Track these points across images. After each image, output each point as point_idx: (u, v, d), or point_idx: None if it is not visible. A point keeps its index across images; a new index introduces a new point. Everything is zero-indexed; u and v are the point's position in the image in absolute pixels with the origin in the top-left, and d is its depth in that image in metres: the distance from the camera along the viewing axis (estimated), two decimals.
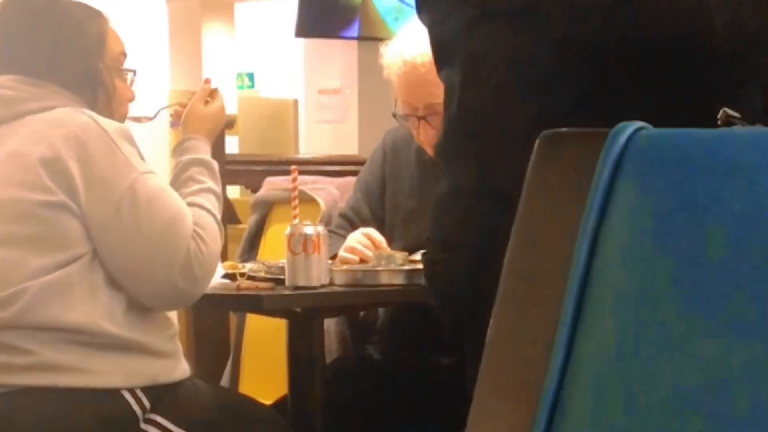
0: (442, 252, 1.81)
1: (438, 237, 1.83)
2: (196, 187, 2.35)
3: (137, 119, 2.62)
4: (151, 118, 2.69)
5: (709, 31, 1.55)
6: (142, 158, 2.29)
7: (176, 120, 2.53)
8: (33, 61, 2.30)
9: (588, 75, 1.62)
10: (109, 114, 2.33)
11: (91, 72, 2.33)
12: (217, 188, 2.39)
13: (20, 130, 2.25)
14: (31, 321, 2.15)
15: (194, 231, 2.23)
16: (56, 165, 2.18)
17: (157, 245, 2.21)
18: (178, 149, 2.44)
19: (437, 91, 2.72)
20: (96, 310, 2.18)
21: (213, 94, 2.53)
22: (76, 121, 2.21)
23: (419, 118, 2.76)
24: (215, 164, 2.43)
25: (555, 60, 1.64)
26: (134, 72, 2.43)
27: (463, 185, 1.77)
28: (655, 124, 0.83)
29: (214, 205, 2.33)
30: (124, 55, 2.42)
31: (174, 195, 2.27)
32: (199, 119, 2.48)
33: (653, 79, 1.60)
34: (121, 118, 2.41)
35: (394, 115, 2.83)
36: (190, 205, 2.29)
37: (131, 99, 2.44)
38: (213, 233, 2.28)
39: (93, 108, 2.29)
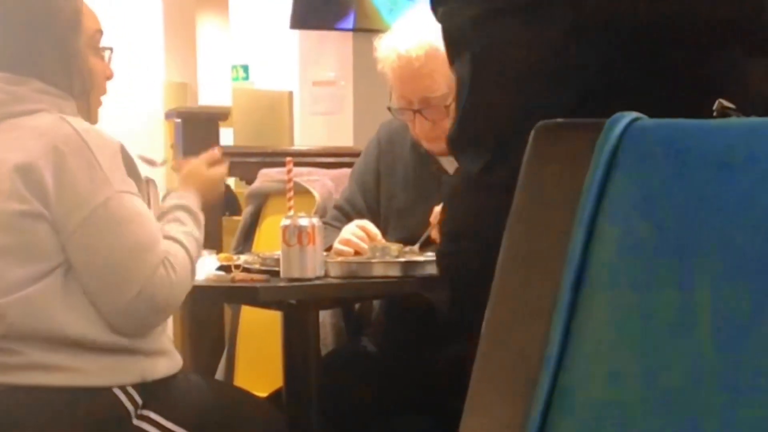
0: (454, 244, 1.80)
1: (449, 229, 1.83)
2: (179, 227, 2.32)
3: (151, 162, 2.63)
4: (163, 164, 2.70)
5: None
6: (137, 175, 2.26)
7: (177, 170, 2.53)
8: (7, 51, 2.25)
9: (596, 68, 1.61)
10: (86, 97, 2.30)
11: (67, 56, 2.28)
12: (199, 236, 2.35)
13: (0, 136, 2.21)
14: (16, 334, 2.15)
15: (166, 259, 2.19)
16: (31, 174, 2.14)
17: (119, 266, 2.17)
18: (169, 196, 2.42)
19: (432, 85, 2.72)
20: (79, 319, 2.17)
21: (219, 161, 2.52)
22: (58, 132, 2.17)
23: (414, 112, 2.75)
24: (202, 217, 2.40)
25: (563, 53, 1.63)
26: (111, 50, 2.39)
27: (473, 177, 1.77)
28: (663, 116, 0.83)
29: (193, 248, 2.29)
30: (100, 32, 2.36)
31: (150, 221, 2.22)
32: (197, 179, 2.46)
33: (663, 69, 1.59)
34: (100, 97, 2.38)
35: (390, 109, 2.83)
36: (169, 238, 2.25)
37: (110, 77, 2.39)
38: (185, 271, 2.24)
39: (70, 94, 2.26)
